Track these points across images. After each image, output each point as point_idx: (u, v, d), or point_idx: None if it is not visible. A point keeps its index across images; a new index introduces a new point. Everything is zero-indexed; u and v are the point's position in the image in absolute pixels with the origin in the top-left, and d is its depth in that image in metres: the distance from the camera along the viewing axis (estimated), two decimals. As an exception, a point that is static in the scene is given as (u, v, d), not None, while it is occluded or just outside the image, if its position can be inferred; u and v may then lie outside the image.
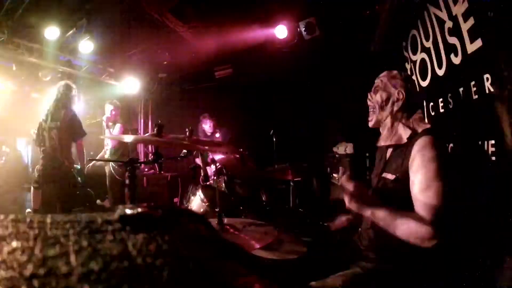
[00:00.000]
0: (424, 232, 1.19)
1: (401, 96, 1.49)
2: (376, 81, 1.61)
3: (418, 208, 1.26)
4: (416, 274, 1.31)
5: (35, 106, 4.59)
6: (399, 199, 1.36)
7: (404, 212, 1.27)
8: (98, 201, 4.85)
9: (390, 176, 1.43)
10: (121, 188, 4.36)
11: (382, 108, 1.54)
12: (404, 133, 1.45)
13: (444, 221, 1.22)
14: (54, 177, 3.70)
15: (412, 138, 1.40)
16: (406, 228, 1.24)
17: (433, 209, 1.22)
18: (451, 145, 1.96)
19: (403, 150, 1.41)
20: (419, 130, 1.42)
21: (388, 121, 1.53)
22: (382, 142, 1.57)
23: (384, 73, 1.60)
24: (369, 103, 1.61)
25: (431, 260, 1.36)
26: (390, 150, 1.55)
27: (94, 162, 4.54)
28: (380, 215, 1.30)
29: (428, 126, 1.45)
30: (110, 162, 4.50)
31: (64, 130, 3.76)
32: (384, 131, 1.56)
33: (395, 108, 1.50)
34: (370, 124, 1.61)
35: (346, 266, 1.45)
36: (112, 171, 4.49)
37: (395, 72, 1.57)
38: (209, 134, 4.99)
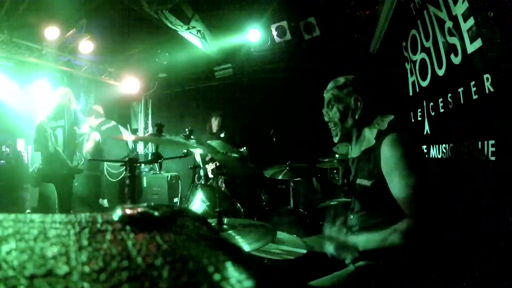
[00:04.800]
0: (412, 230, 1.20)
1: (358, 103, 1.44)
2: (325, 95, 1.54)
3: (402, 207, 1.25)
4: (410, 271, 1.31)
5: (35, 106, 4.58)
6: (378, 203, 1.35)
7: (382, 231, 1.27)
8: (100, 200, 4.85)
9: (366, 183, 1.38)
10: (117, 188, 4.36)
11: (343, 121, 1.48)
12: (371, 134, 1.40)
13: (429, 213, 1.22)
14: (54, 177, 3.70)
15: (379, 137, 1.36)
16: (394, 238, 1.23)
17: (416, 205, 1.22)
18: (451, 145, 1.96)
19: (372, 152, 1.37)
20: (385, 126, 1.38)
21: (355, 130, 1.48)
22: (354, 154, 1.51)
23: (330, 85, 1.53)
24: (326, 119, 1.54)
25: (425, 257, 1.36)
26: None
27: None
28: (367, 245, 1.31)
29: (392, 117, 1.40)
30: (105, 163, 4.49)
31: (69, 128, 3.77)
32: (353, 142, 1.51)
33: (357, 116, 1.45)
34: (336, 140, 1.55)
35: (344, 265, 1.45)
36: (105, 172, 4.47)
37: (341, 80, 1.50)
38: (214, 131, 4.99)
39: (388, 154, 1.29)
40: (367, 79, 1.55)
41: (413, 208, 1.22)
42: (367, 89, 1.49)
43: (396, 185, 1.26)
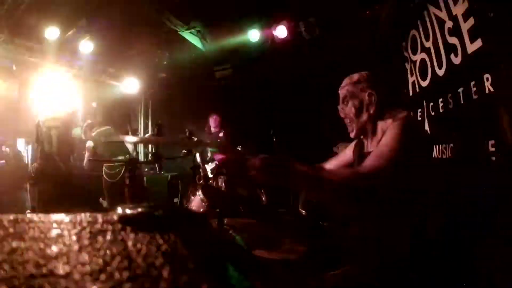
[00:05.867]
0: (359, 175, 1.22)
1: (373, 98, 1.46)
2: (340, 92, 1.56)
3: (366, 161, 1.27)
4: (407, 274, 1.31)
5: (35, 106, 4.59)
6: (386, 194, 1.35)
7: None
8: (100, 199, 4.84)
9: None
10: (118, 188, 4.34)
11: (358, 116, 1.50)
12: (385, 126, 1.43)
13: (384, 180, 1.21)
14: (51, 177, 3.71)
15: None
16: (338, 176, 1.26)
17: (375, 164, 1.23)
18: (451, 145, 1.96)
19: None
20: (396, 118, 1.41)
21: (370, 125, 1.50)
22: (370, 148, 1.51)
23: (345, 81, 1.55)
24: (341, 115, 1.57)
25: (422, 258, 1.36)
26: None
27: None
28: (304, 173, 1.23)
29: (405, 113, 1.41)
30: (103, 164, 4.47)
31: (65, 130, 3.77)
32: (368, 136, 1.53)
33: (371, 111, 1.47)
34: (352, 135, 1.57)
35: (342, 266, 1.45)
36: (103, 173, 4.45)
37: (355, 76, 1.53)
38: (213, 131, 5.00)
39: (386, 134, 1.33)
40: (381, 75, 1.56)
41: (372, 167, 1.22)
42: (381, 84, 1.51)
43: (376, 150, 1.29)
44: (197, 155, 3.83)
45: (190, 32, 4.60)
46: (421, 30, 2.37)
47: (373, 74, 1.53)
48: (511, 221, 1.33)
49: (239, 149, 2.81)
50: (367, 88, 1.48)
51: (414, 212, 1.35)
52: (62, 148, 3.75)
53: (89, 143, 4.36)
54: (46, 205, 3.90)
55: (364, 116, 1.49)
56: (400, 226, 1.35)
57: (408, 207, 1.34)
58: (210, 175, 4.11)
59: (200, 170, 4.14)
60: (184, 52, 5.11)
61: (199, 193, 2.67)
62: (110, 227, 0.27)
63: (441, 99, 2.08)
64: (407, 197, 1.30)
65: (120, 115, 6.26)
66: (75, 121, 3.95)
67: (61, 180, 3.72)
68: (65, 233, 0.26)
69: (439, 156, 2.11)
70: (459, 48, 1.76)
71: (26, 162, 4.52)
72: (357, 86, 1.50)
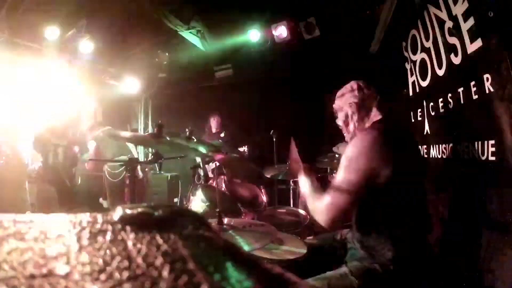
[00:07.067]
0: (320, 213, 1.34)
1: (353, 107, 1.55)
2: (333, 106, 1.69)
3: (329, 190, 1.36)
4: (405, 274, 1.31)
5: (35, 106, 4.58)
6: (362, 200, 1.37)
7: (322, 193, 1.40)
8: (100, 199, 4.84)
9: None
10: (118, 189, 4.35)
11: (347, 126, 1.62)
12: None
13: (344, 208, 1.31)
14: (52, 181, 3.72)
15: None
16: (314, 203, 1.40)
17: (334, 194, 1.32)
18: (451, 145, 1.96)
19: None
20: (366, 126, 1.53)
21: (358, 133, 1.58)
22: None
23: (336, 95, 1.68)
24: (338, 125, 1.69)
25: (421, 260, 1.36)
26: None
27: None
28: (307, 184, 1.51)
29: (379, 118, 1.50)
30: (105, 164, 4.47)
31: (70, 150, 3.80)
32: None
33: (355, 120, 1.57)
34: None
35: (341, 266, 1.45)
36: (105, 173, 4.46)
37: (342, 89, 1.64)
38: (214, 132, 5.00)
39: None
40: (365, 82, 1.61)
41: (331, 196, 1.32)
42: (362, 93, 1.57)
43: (334, 183, 1.37)
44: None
45: (190, 32, 4.60)
46: (421, 30, 2.37)
47: (357, 83, 1.60)
48: (511, 221, 1.33)
49: (242, 149, 2.81)
50: (350, 98, 1.57)
51: (392, 220, 1.35)
52: (66, 164, 3.78)
53: (92, 144, 4.37)
54: (46, 205, 3.91)
55: (351, 126, 1.59)
56: (382, 232, 1.35)
57: (386, 215, 1.35)
58: (210, 175, 4.11)
59: (200, 170, 4.14)
60: (184, 52, 5.11)
61: (199, 193, 2.68)
62: (110, 227, 0.27)
63: (441, 99, 2.08)
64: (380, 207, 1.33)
65: (120, 115, 6.26)
66: (80, 139, 3.95)
67: (61, 181, 3.72)
68: (65, 233, 0.26)
69: (439, 156, 2.11)
70: (459, 48, 1.76)
71: (26, 162, 4.52)
72: (341, 99, 1.61)
